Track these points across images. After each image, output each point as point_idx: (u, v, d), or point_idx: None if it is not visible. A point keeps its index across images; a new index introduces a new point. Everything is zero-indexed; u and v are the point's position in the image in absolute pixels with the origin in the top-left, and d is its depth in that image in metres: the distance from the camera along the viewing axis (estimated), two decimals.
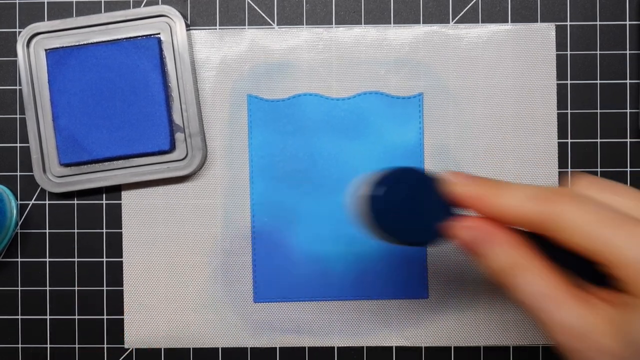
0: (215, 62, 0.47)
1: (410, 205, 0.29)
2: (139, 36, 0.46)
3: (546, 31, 0.47)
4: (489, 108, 0.47)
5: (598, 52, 0.47)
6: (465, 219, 0.29)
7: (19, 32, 0.48)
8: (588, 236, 0.26)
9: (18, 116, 0.48)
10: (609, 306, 0.26)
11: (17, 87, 0.48)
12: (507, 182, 0.28)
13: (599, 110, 0.47)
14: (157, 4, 0.48)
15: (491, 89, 0.47)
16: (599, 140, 0.47)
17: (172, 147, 0.46)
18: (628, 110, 0.47)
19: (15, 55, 0.48)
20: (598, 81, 0.47)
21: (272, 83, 0.47)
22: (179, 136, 0.46)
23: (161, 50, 0.46)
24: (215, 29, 0.48)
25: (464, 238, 0.29)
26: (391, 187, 0.29)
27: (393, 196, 0.29)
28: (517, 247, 0.28)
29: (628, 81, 0.47)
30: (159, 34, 0.46)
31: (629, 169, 0.47)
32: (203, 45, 0.47)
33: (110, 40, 0.46)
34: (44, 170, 0.47)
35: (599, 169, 0.47)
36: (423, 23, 0.48)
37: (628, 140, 0.47)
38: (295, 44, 0.47)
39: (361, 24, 0.48)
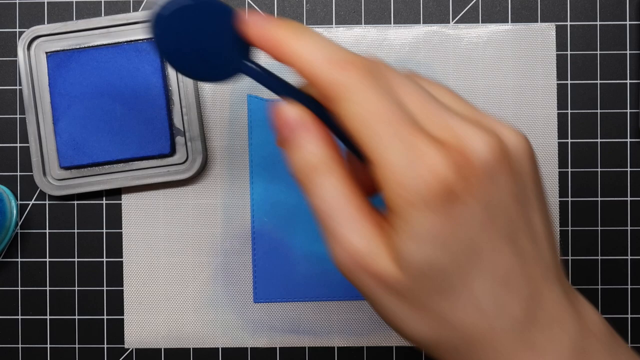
0: None
1: (200, 35, 0.26)
2: (140, 39, 0.46)
3: (546, 31, 0.47)
4: (488, 108, 0.47)
5: (598, 52, 0.47)
6: (289, 101, 0.26)
7: (19, 33, 0.48)
8: (358, 122, 0.22)
9: (18, 116, 0.48)
10: (391, 227, 0.23)
11: (17, 87, 0.48)
12: (315, 33, 0.25)
13: (599, 110, 0.47)
14: None
15: (491, 89, 0.47)
16: (599, 140, 0.47)
17: (172, 151, 0.46)
18: (628, 110, 0.47)
19: (15, 55, 0.48)
20: (598, 81, 0.47)
21: None
22: (179, 140, 0.46)
23: None
24: None
25: (280, 117, 0.25)
26: (180, 9, 0.26)
27: (180, 19, 0.26)
28: (325, 147, 0.24)
29: (628, 81, 0.47)
30: None
31: (629, 169, 0.47)
32: None
33: (111, 44, 0.46)
34: (44, 173, 0.47)
35: (599, 169, 0.47)
36: (423, 23, 0.48)
37: (628, 140, 0.47)
38: None
39: (361, 24, 0.48)
